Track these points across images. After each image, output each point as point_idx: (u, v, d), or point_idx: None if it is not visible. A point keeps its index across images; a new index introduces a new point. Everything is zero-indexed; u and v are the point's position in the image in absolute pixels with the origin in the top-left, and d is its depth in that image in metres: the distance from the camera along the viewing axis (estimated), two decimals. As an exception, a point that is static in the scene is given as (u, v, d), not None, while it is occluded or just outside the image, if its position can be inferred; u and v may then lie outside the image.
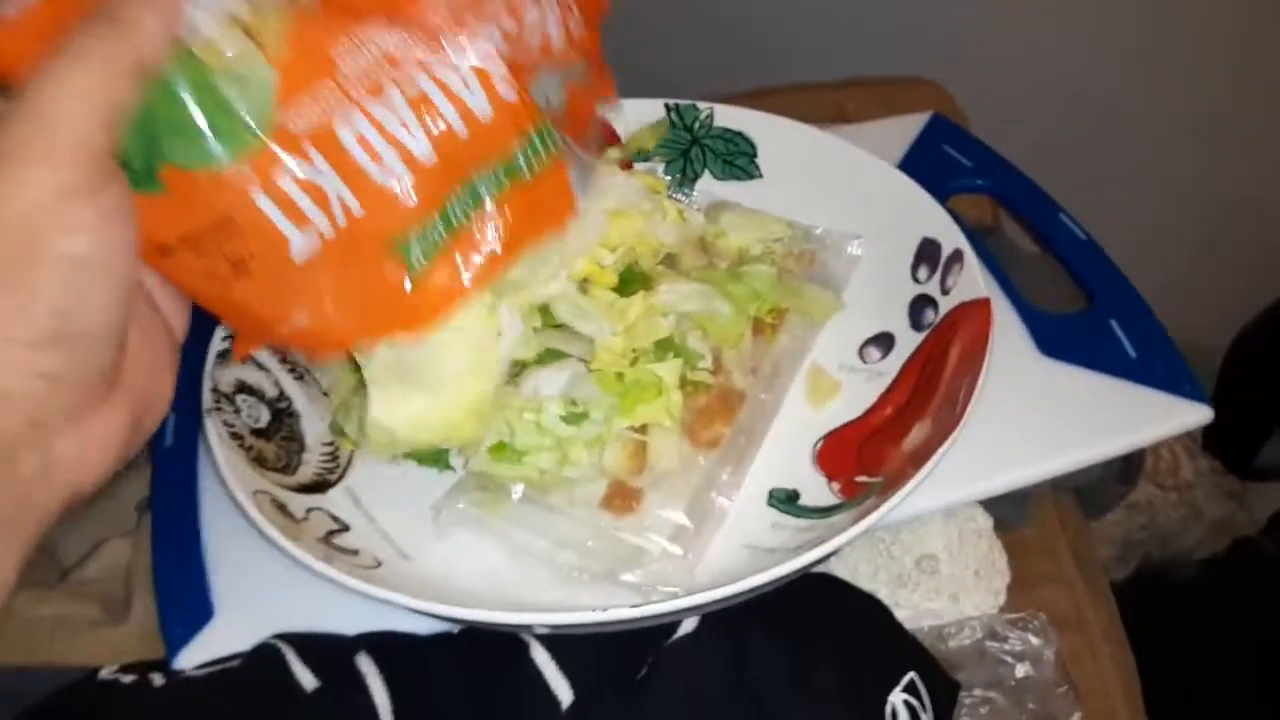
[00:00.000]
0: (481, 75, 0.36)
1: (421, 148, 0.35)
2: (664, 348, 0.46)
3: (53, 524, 0.29)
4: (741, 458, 0.48)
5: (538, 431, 0.44)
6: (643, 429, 0.46)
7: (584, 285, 0.46)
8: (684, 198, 0.60)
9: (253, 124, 0.31)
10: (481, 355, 0.41)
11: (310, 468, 0.49)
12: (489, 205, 0.37)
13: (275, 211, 0.32)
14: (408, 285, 0.36)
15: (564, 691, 0.42)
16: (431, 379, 0.41)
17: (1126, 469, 0.59)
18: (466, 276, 0.37)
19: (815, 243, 0.56)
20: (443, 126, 0.35)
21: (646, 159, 0.60)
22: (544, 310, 0.45)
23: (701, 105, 0.61)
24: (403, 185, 0.35)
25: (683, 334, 0.48)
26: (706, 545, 0.46)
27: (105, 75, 0.27)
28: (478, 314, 0.40)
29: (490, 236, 0.37)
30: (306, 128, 0.32)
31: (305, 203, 0.33)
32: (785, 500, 0.48)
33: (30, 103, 0.26)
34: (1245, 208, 1.04)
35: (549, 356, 0.45)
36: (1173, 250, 1.06)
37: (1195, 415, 0.50)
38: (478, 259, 0.37)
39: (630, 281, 0.47)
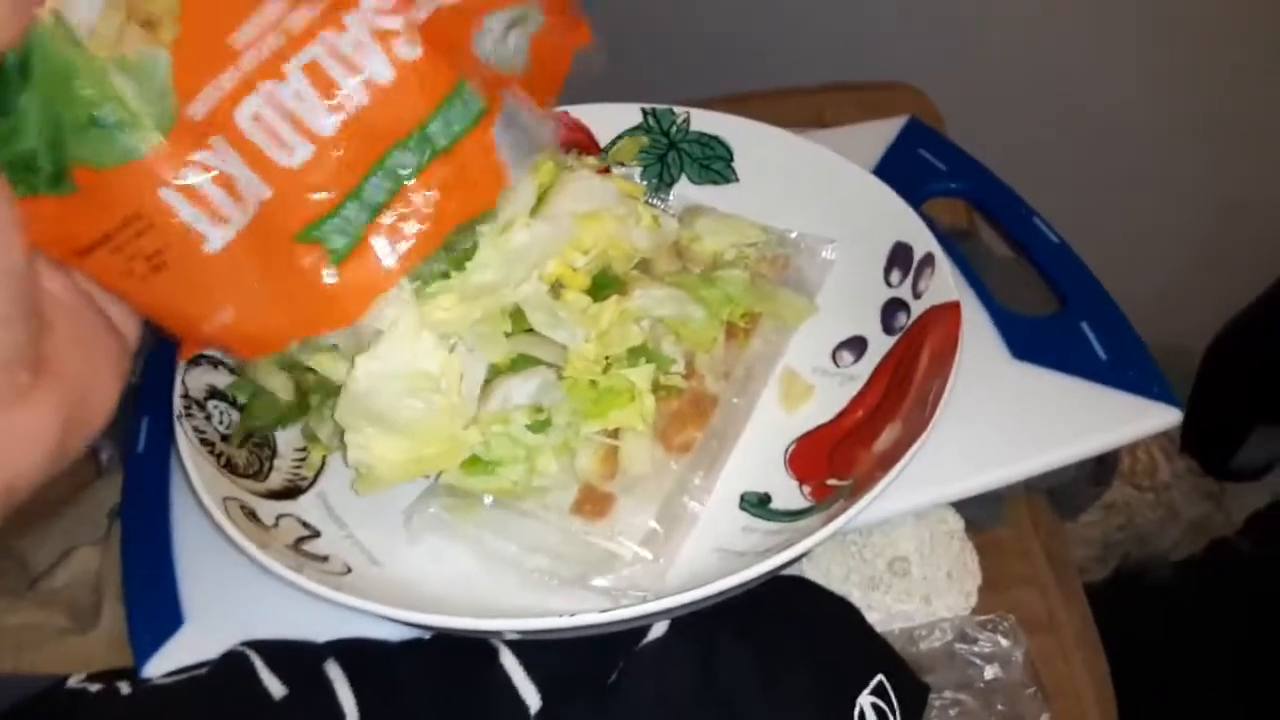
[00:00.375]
0: (380, 36, 0.33)
1: (322, 121, 0.33)
2: (636, 353, 0.46)
3: None
4: (714, 462, 0.49)
5: (510, 443, 0.44)
6: (614, 433, 0.46)
7: (556, 288, 0.46)
8: (660, 202, 0.60)
9: (152, 116, 0.30)
10: (446, 402, 0.41)
11: (281, 474, 0.49)
12: (408, 182, 0.35)
13: (182, 203, 0.31)
14: (329, 274, 0.34)
15: (532, 697, 0.42)
16: (400, 424, 0.41)
17: (1100, 471, 0.59)
18: (391, 261, 0.35)
19: (789, 247, 0.56)
20: (342, 94, 0.33)
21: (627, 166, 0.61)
22: (516, 315, 0.44)
23: (678, 110, 0.61)
24: (307, 163, 0.33)
25: (656, 339, 0.48)
26: (678, 550, 0.46)
27: None
28: (436, 359, 0.40)
29: (413, 217, 0.35)
30: (205, 113, 0.31)
31: (213, 192, 0.32)
32: (757, 504, 0.48)
33: None
34: (1223, 211, 1.05)
35: (521, 362, 0.45)
36: (1150, 253, 1.06)
37: (1165, 417, 0.50)
38: (403, 243, 0.35)
39: (604, 286, 0.47)
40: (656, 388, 0.47)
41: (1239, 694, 0.90)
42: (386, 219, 0.35)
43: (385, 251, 0.35)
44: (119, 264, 0.32)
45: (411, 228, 0.35)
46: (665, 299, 0.48)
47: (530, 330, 0.45)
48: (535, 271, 0.44)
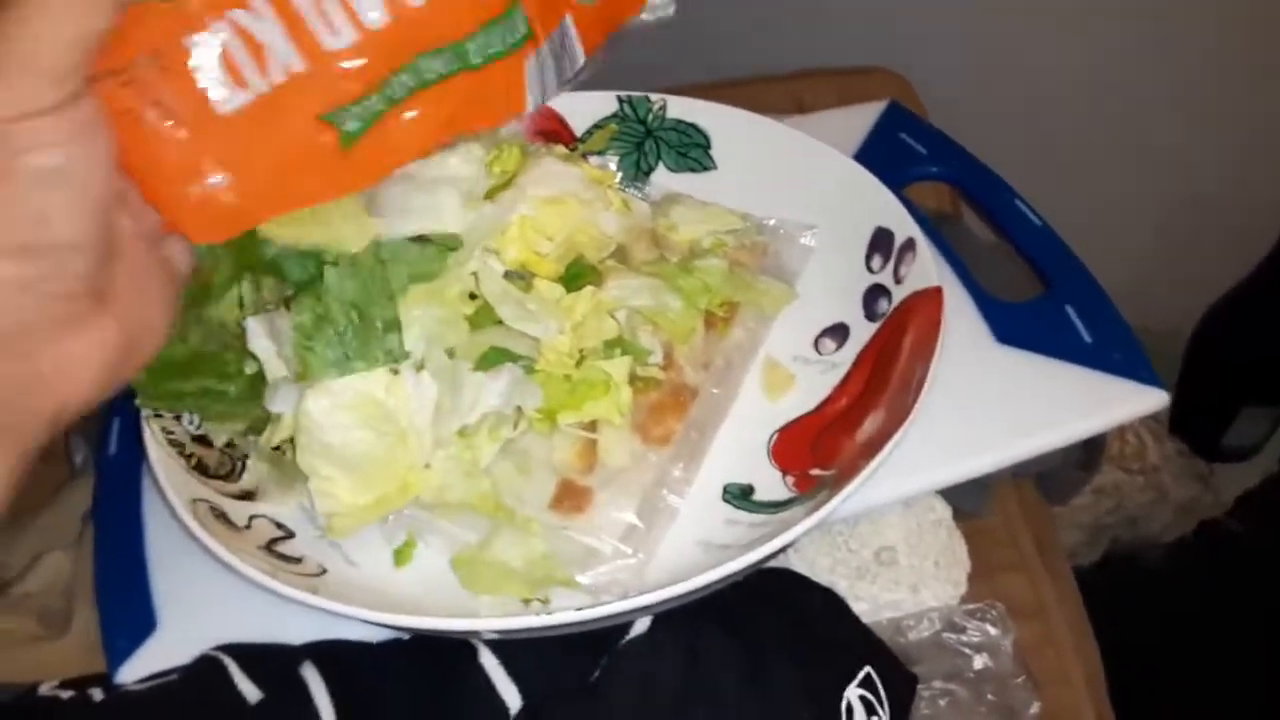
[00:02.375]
0: None
1: (372, 14, 0.33)
2: (612, 345, 0.46)
3: (41, 440, 0.30)
4: (694, 454, 0.48)
5: (466, 478, 0.43)
6: (592, 426, 0.45)
7: (527, 279, 0.45)
8: (638, 191, 0.59)
9: None
10: (396, 430, 0.41)
11: (254, 474, 0.48)
12: (431, 85, 0.35)
13: (206, 54, 0.31)
14: (338, 153, 0.35)
15: (513, 697, 0.41)
16: (354, 460, 0.41)
17: (1087, 455, 0.59)
18: (398, 151, 0.36)
19: (768, 234, 0.55)
20: None
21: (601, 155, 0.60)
22: (485, 309, 0.44)
23: (654, 97, 0.60)
24: (347, 49, 0.33)
25: (632, 330, 0.47)
26: (659, 544, 0.45)
27: (81, 2, 0.28)
28: (381, 383, 0.40)
29: (425, 117, 0.35)
30: None
31: (239, 51, 0.32)
32: (739, 495, 0.47)
33: (5, 25, 0.27)
34: (1210, 193, 1.05)
35: (493, 355, 0.44)
36: (1139, 234, 1.06)
37: (1151, 400, 0.50)
38: (410, 134, 0.36)
39: (577, 276, 0.46)
40: (634, 379, 0.46)
41: (1231, 675, 0.90)
42: (400, 111, 0.35)
43: (395, 139, 0.35)
44: (124, 101, 0.31)
45: (421, 126, 0.36)
46: (641, 289, 0.47)
47: (498, 323, 0.44)
48: (479, 248, 0.44)
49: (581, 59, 0.39)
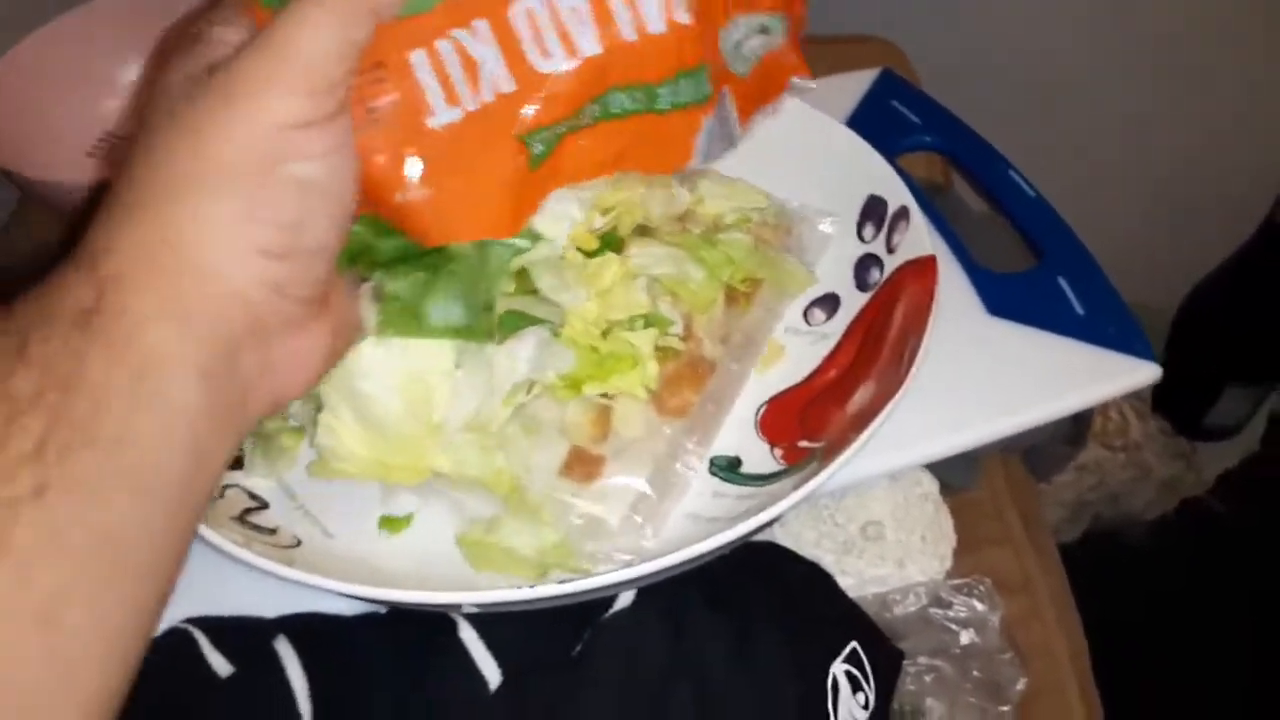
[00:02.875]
0: None
1: (586, 42, 0.34)
2: (636, 315, 0.45)
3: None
4: (709, 427, 0.47)
5: (482, 453, 0.42)
6: (608, 393, 0.44)
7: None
8: None
9: None
10: (427, 417, 0.41)
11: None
12: (614, 119, 0.37)
13: (427, 70, 0.33)
14: (526, 177, 0.36)
15: (492, 672, 0.40)
16: (376, 418, 0.41)
17: (1074, 431, 0.58)
18: (563, 174, 0.37)
19: (790, 217, 0.53)
20: (614, 25, 0.35)
21: None
22: (520, 276, 0.43)
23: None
24: (557, 75, 0.34)
25: (653, 299, 0.46)
26: (669, 516, 0.44)
27: (345, 15, 0.29)
28: (437, 364, 0.41)
29: (600, 149, 0.37)
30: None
31: (455, 68, 0.33)
32: (726, 468, 0.46)
33: (276, 35, 0.29)
34: (1198, 168, 1.04)
35: (509, 319, 0.43)
36: (1125, 211, 1.06)
37: (1144, 374, 0.49)
38: (581, 163, 0.37)
39: (604, 244, 0.45)
40: (655, 350, 0.45)
41: (1212, 652, 0.91)
42: (577, 138, 0.37)
43: (566, 165, 0.37)
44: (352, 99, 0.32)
45: (591, 155, 0.37)
46: (664, 257, 0.46)
47: (527, 292, 0.43)
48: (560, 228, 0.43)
49: (739, 132, 0.41)
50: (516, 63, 0.34)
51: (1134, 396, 1.03)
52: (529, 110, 0.35)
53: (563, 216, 0.42)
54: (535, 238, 0.42)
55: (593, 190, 0.43)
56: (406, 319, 0.39)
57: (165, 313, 0.28)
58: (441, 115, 0.34)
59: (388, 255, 0.39)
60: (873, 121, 0.59)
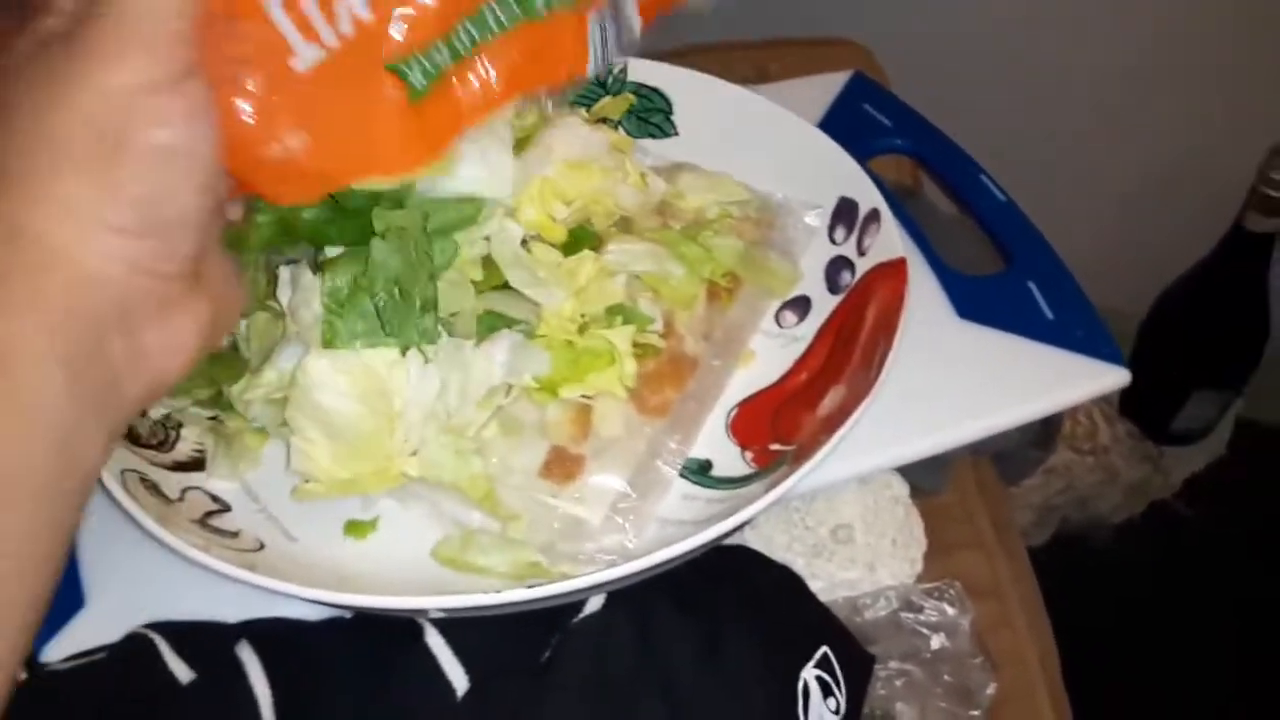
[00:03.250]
0: None
1: None
2: (613, 311, 0.44)
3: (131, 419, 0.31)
4: (690, 426, 0.46)
5: (457, 457, 0.42)
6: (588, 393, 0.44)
7: (528, 241, 0.44)
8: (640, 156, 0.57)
9: None
10: (387, 411, 0.40)
11: (188, 444, 0.46)
12: (495, 37, 0.34)
13: (280, 13, 0.31)
14: (407, 110, 0.34)
15: (459, 678, 0.40)
16: (338, 427, 0.40)
17: (1043, 435, 0.58)
18: (464, 109, 0.35)
19: (773, 211, 0.53)
20: None
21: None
22: (488, 268, 0.42)
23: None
24: None
25: (632, 297, 0.45)
26: (651, 516, 0.44)
27: None
28: (385, 359, 0.40)
29: (490, 73, 0.35)
30: None
31: (308, 5, 0.31)
32: (697, 471, 0.46)
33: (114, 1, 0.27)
34: (1167, 173, 1.05)
35: (487, 319, 0.42)
36: (1093, 216, 1.07)
37: (1113, 378, 0.49)
38: (475, 93, 0.35)
39: (580, 241, 0.45)
40: (634, 347, 0.44)
41: (1179, 655, 0.92)
42: (468, 67, 0.35)
43: (460, 98, 0.35)
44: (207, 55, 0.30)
45: (487, 81, 0.35)
46: (643, 254, 0.46)
47: (500, 287, 0.42)
48: (500, 211, 0.42)
49: (638, 29, 0.39)
50: None
51: (1102, 400, 1.04)
52: (395, 36, 0.33)
53: (496, 167, 0.41)
54: (478, 204, 0.41)
55: (508, 128, 0.42)
56: (341, 329, 0.39)
57: (17, 303, 0.27)
58: (303, 55, 0.32)
59: (305, 233, 0.39)
60: (844, 124, 0.59)
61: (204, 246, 0.31)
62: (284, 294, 0.43)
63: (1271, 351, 1.05)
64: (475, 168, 0.41)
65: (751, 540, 0.48)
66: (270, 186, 0.34)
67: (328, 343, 0.39)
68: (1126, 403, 1.10)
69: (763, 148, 0.54)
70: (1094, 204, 1.08)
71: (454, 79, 0.35)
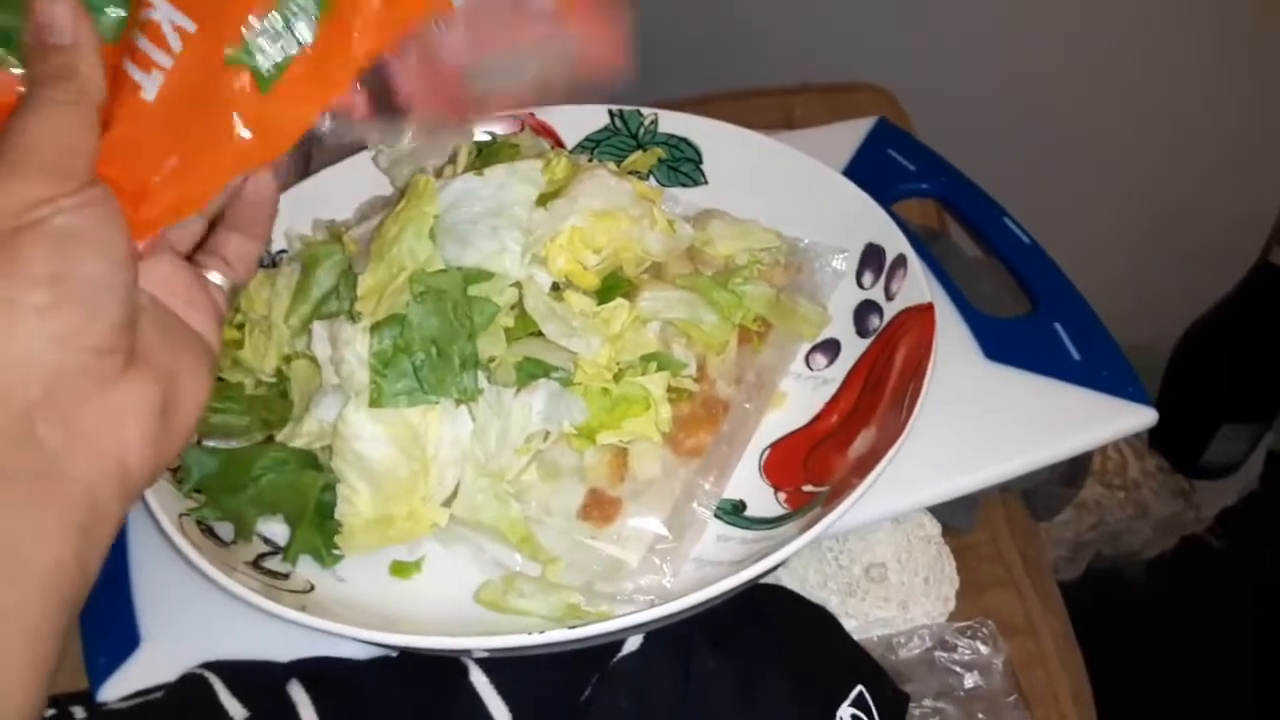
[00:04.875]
0: None
1: None
2: (648, 358, 0.46)
3: (118, 507, 0.31)
4: (724, 467, 0.47)
5: (498, 501, 0.43)
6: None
7: (560, 289, 0.45)
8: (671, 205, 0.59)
9: None
10: (421, 457, 0.42)
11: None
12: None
13: (129, 56, 0.33)
14: (259, 97, 0.34)
15: (503, 715, 0.41)
16: (373, 471, 0.42)
17: (1071, 472, 0.59)
18: (328, 77, 0.35)
19: (801, 255, 0.54)
20: None
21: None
22: (521, 319, 0.44)
23: (646, 111, 0.60)
24: None
25: (666, 342, 0.47)
26: (687, 557, 0.45)
27: (68, 110, 0.31)
28: (416, 419, 0.41)
29: (349, 26, 0.34)
30: None
31: (141, 40, 0.33)
32: (731, 511, 0.47)
33: (14, 125, 0.31)
34: (1192, 209, 1.06)
35: (528, 367, 0.44)
36: (1120, 251, 1.07)
37: (1140, 418, 0.50)
38: (343, 58, 0.34)
39: (612, 288, 0.46)
40: (667, 391, 0.46)
41: (1215, 688, 0.91)
42: (322, 34, 0.34)
43: (322, 65, 0.34)
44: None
45: (350, 44, 0.35)
46: (676, 301, 0.47)
47: (538, 334, 0.44)
48: (528, 256, 0.44)
49: None
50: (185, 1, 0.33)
51: (1132, 435, 1.04)
52: (220, 34, 0.33)
53: (505, 248, 0.43)
54: (487, 274, 0.43)
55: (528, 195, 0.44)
56: (385, 388, 0.41)
57: None
58: (148, 86, 0.33)
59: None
60: (869, 169, 0.60)
61: (133, 319, 0.32)
62: (320, 348, 0.44)
63: (1301, 384, 1.05)
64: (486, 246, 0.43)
65: (786, 579, 0.49)
66: (164, 214, 0.34)
67: (374, 402, 0.41)
68: (1156, 437, 1.10)
69: (790, 195, 0.56)
70: (1120, 239, 1.08)
71: (311, 50, 0.34)
